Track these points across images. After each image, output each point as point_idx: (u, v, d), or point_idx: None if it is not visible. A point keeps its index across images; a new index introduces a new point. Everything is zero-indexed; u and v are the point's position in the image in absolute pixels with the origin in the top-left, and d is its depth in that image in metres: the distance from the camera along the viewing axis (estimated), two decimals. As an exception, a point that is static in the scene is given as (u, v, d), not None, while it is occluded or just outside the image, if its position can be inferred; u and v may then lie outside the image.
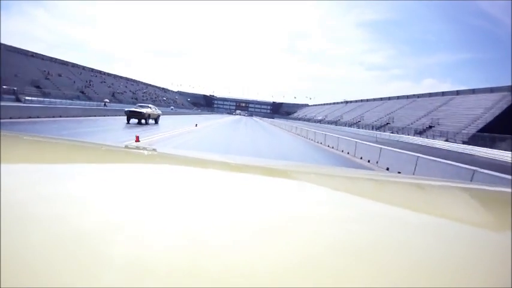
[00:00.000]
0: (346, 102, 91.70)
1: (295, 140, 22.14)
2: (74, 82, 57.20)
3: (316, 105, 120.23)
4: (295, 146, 17.98)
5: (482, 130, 32.42)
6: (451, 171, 8.03)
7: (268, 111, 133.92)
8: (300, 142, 20.35)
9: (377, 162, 10.93)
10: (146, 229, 0.41)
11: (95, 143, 1.49)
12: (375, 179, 1.25)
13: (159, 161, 1.12)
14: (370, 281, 0.33)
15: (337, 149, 15.27)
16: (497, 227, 0.61)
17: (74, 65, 67.07)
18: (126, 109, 21.91)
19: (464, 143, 29.37)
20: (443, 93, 53.93)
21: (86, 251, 0.33)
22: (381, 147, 11.54)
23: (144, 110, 21.26)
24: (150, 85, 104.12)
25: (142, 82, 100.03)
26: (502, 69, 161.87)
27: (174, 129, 18.71)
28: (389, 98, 69.42)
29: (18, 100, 32.75)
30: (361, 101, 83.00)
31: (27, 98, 34.07)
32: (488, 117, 36.14)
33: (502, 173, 7.20)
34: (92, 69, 73.52)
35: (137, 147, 1.73)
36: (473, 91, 47.71)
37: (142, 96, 78.58)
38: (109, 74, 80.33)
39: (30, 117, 16.53)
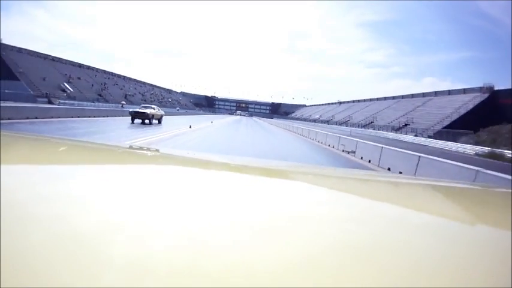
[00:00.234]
0: (340, 102, 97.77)
1: (285, 133, 28.57)
2: (92, 85, 63.23)
3: (313, 105, 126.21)
4: (283, 136, 24.23)
5: (447, 127, 38.37)
6: (402, 157, 9.38)
7: (267, 111, 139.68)
8: (287, 134, 26.73)
9: (334, 146, 16.39)
10: (147, 229, 0.41)
11: (97, 143, 1.54)
12: (375, 179, 1.26)
13: (162, 162, 1.13)
14: (370, 281, 0.33)
15: (313, 139, 20.92)
16: (497, 227, 0.61)
17: (88, 67, 73.02)
18: (131, 110, 22.85)
19: (429, 137, 35.30)
20: (423, 94, 59.96)
21: (86, 251, 0.33)
22: (339, 137, 16.51)
23: (148, 111, 21.92)
24: (156, 86, 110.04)
25: (149, 84, 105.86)
26: (502, 68, 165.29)
27: (198, 125, 25.18)
28: (377, 99, 75.48)
29: (50, 102, 38.65)
30: (353, 101, 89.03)
31: (60, 101, 39.91)
32: (455, 115, 42.12)
33: (447, 159, 7.78)
34: (105, 71, 79.52)
35: (140, 148, 1.82)
36: (448, 92, 53.70)
37: (150, 97, 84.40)
38: (119, 76, 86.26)
39: (72, 117, 20.04)
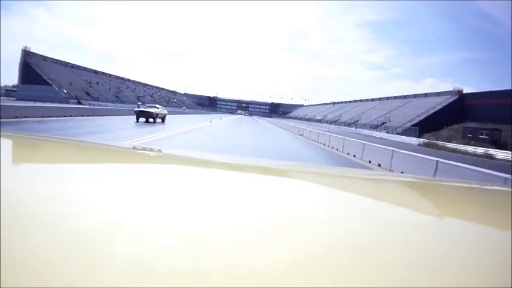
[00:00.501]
0: (334, 103, 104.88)
1: (278, 129, 35.97)
2: (110, 89, 70.59)
3: (310, 105, 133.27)
4: (276, 131, 31.36)
5: (416, 125, 45.29)
6: (343, 142, 14.00)
7: (267, 111, 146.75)
8: (278, 129, 34.25)
9: (314, 140, 21.86)
10: (147, 229, 0.41)
11: (100, 143, 1.54)
12: (375, 178, 1.26)
13: (162, 162, 1.13)
14: (370, 281, 0.33)
15: (300, 135, 26.84)
16: (498, 226, 0.61)
17: (103, 73, 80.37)
18: (136, 109, 23.60)
19: (398, 134, 42.34)
20: (404, 97, 66.98)
21: (87, 251, 0.33)
22: (319, 132, 22.26)
23: (152, 110, 22.73)
24: (162, 88, 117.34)
25: (156, 86, 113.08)
26: (502, 68, 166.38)
27: (213, 120, 33.58)
28: (366, 100, 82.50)
29: (79, 103, 45.84)
30: (345, 102, 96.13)
31: (91, 102, 47.22)
32: (423, 115, 49.17)
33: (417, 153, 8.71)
34: (117, 77, 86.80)
35: (143, 148, 1.79)
36: (425, 95, 60.73)
37: (158, 98, 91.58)
38: (129, 80, 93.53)
39: (103, 115, 23.51)
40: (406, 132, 42.31)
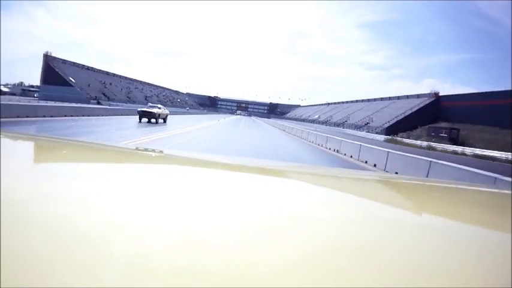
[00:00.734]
0: (328, 104, 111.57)
1: (272, 128, 42.97)
2: (121, 89, 77.03)
3: (306, 106, 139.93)
4: (270, 130, 38.20)
5: (393, 125, 51.82)
6: (321, 138, 23.26)
7: (265, 111, 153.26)
8: (271, 128, 41.39)
9: (294, 134, 29.58)
10: (147, 229, 0.41)
11: (99, 143, 1.53)
12: (374, 179, 1.27)
13: (165, 162, 1.14)
14: (369, 281, 0.34)
15: (289, 133, 32.86)
16: (497, 227, 0.61)
17: (114, 75, 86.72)
18: (139, 109, 23.67)
19: (377, 133, 48.80)
20: (389, 98, 73.61)
21: (87, 251, 0.33)
22: (297, 128, 30.37)
23: (154, 110, 22.94)
24: (166, 89, 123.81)
25: (160, 86, 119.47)
26: (502, 69, 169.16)
27: (219, 120, 42.03)
28: (356, 101, 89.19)
29: (98, 103, 52.20)
30: (338, 103, 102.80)
31: (111, 103, 53.61)
32: (401, 116, 55.74)
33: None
34: (125, 77, 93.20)
35: (145, 149, 1.76)
36: (407, 97, 67.26)
37: (164, 98, 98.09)
38: (136, 80, 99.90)
39: (122, 115, 25.32)
40: (383, 131, 48.90)
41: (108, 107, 35.28)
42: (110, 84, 74.61)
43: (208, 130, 24.04)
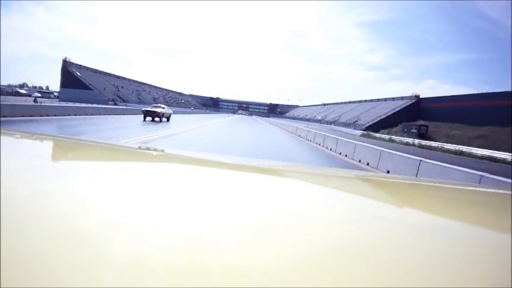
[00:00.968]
0: (324, 104, 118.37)
1: (269, 125, 49.58)
2: (132, 92, 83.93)
3: (304, 106, 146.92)
4: (267, 126, 44.71)
5: (376, 123, 58.44)
6: (307, 131, 30.15)
7: (265, 111, 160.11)
8: (268, 125, 48.00)
9: (285, 129, 36.59)
10: (147, 228, 0.41)
11: (103, 142, 1.53)
12: (374, 179, 1.26)
13: (166, 161, 1.14)
14: (368, 281, 0.34)
15: (275, 125, 40.85)
16: (497, 227, 0.61)
17: (124, 78, 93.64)
18: (143, 109, 24.83)
19: (361, 129, 55.47)
20: (378, 100, 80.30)
21: (88, 251, 0.33)
22: (290, 125, 37.12)
23: (158, 110, 24.07)
24: (171, 91, 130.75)
25: (165, 89, 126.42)
26: (502, 69, 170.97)
27: (225, 118, 50.86)
28: (349, 102, 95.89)
29: (115, 105, 58.94)
30: (333, 104, 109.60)
31: (128, 103, 60.32)
32: (384, 116, 62.38)
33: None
34: (134, 80, 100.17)
35: (147, 148, 1.77)
36: (393, 99, 73.91)
37: (169, 99, 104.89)
38: (144, 83, 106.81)
39: (135, 114, 28.80)
40: (368, 129, 55.65)
41: (125, 107, 41.03)
42: (122, 87, 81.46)
43: (222, 122, 36.82)
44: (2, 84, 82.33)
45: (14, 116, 15.79)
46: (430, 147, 30.81)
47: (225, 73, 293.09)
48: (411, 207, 0.76)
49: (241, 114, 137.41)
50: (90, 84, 67.27)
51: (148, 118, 24.04)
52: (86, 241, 0.36)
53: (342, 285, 0.32)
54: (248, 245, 0.40)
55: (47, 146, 1.11)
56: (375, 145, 13.97)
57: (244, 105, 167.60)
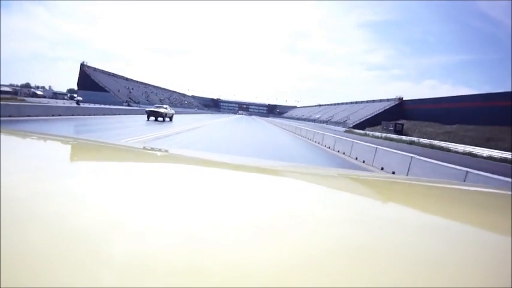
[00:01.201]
0: (320, 105, 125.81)
1: (267, 124, 56.54)
2: (142, 94, 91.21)
3: (301, 107, 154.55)
4: (264, 124, 51.61)
5: (362, 122, 65.62)
6: (300, 129, 37.42)
7: (265, 111, 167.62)
8: (266, 123, 55.13)
9: (279, 127, 43.93)
10: (147, 228, 0.42)
11: (106, 142, 1.52)
12: (374, 179, 1.27)
13: (169, 162, 1.15)
14: (368, 281, 0.34)
15: (280, 127, 46.39)
16: (497, 227, 0.61)
17: (132, 80, 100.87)
18: (147, 109, 25.44)
19: (348, 127, 62.63)
20: (367, 101, 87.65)
21: (88, 251, 0.34)
22: (284, 123, 44.69)
23: (161, 110, 24.73)
24: (174, 92, 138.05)
25: (169, 90, 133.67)
26: (502, 70, 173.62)
27: (229, 117, 58.32)
28: (342, 103, 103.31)
29: (129, 105, 65.83)
30: (327, 105, 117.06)
31: (141, 105, 67.41)
32: (369, 116, 69.64)
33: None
34: (141, 82, 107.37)
35: (152, 149, 1.76)
36: (380, 101, 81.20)
37: (174, 100, 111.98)
38: (150, 85, 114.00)
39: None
40: (356, 127, 62.98)
41: (138, 108, 46.51)
42: (132, 89, 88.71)
43: (226, 120, 44.71)
44: (4, 83, 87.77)
45: (73, 115, 21.82)
46: (391, 139, 38.20)
47: (226, 74, 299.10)
48: (412, 208, 0.77)
49: (242, 114, 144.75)
50: (105, 87, 74.38)
51: (151, 118, 25.49)
52: (86, 241, 0.36)
53: (342, 285, 0.32)
54: (249, 245, 0.40)
55: (47, 146, 1.11)
56: (354, 139, 16.41)
57: (244, 106, 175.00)
